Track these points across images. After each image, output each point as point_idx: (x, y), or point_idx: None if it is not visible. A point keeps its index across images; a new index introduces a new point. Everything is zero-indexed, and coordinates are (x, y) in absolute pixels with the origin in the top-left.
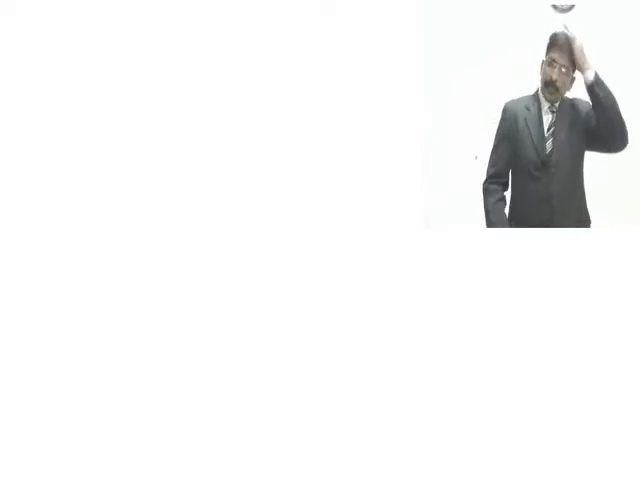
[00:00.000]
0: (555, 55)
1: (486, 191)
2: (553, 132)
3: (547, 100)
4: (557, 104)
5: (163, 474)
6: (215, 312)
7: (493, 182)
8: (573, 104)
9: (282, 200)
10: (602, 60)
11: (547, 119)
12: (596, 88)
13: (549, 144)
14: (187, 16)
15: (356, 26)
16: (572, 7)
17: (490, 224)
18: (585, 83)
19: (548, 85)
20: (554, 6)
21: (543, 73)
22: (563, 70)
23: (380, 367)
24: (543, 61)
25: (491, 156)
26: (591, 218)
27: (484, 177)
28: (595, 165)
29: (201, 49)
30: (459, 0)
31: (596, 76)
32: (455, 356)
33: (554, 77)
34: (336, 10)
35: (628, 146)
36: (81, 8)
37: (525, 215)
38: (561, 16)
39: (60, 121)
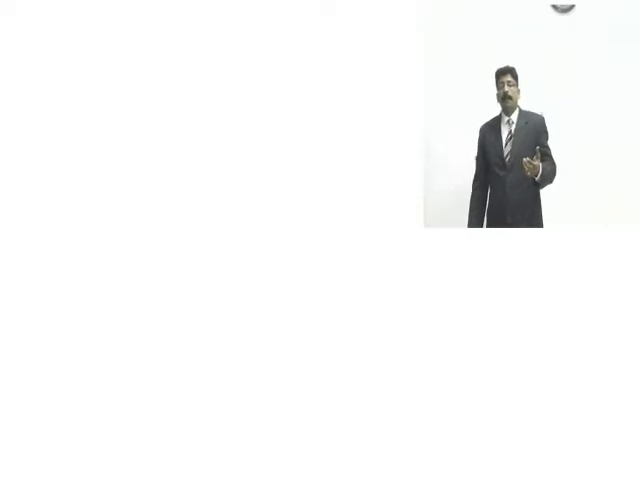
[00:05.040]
0: (503, 79)
1: (472, 185)
2: (510, 139)
3: (506, 114)
4: (512, 117)
5: (163, 474)
6: (215, 311)
7: (475, 180)
8: (525, 116)
9: (282, 201)
10: (602, 60)
11: (506, 129)
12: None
13: (507, 149)
14: (187, 16)
15: (356, 26)
16: (572, 7)
17: (470, 206)
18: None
19: (504, 98)
20: (554, 6)
21: (498, 94)
22: (511, 84)
23: (379, 362)
24: (497, 87)
25: (475, 163)
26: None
27: None
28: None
29: (201, 49)
30: (459, 0)
31: (540, 178)
32: (453, 351)
33: (506, 89)
34: (336, 10)
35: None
36: (81, 8)
37: (493, 203)
38: (561, 16)
39: (60, 120)
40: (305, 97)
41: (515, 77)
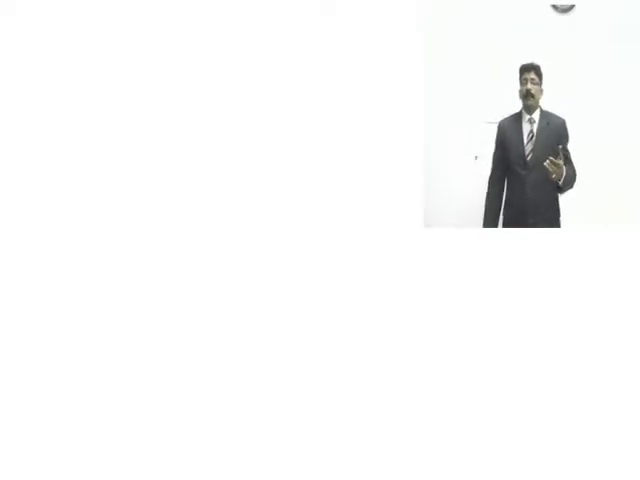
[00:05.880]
0: (527, 76)
1: (488, 182)
2: (531, 138)
3: (527, 112)
4: (534, 115)
5: (163, 474)
6: (214, 312)
7: (492, 177)
8: (546, 117)
9: (282, 202)
10: (602, 60)
11: (527, 128)
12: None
13: (528, 147)
14: (187, 16)
15: (356, 26)
16: (572, 7)
17: (486, 204)
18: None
19: (526, 96)
20: (554, 6)
21: (520, 90)
22: (534, 82)
23: (379, 363)
24: (520, 84)
25: (492, 162)
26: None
27: (485, 177)
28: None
29: (201, 49)
30: (459, 0)
31: (563, 182)
32: (452, 353)
33: (529, 87)
34: (336, 10)
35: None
36: (81, 8)
37: (512, 202)
38: (561, 16)
39: (60, 121)
40: (305, 97)
41: (539, 75)
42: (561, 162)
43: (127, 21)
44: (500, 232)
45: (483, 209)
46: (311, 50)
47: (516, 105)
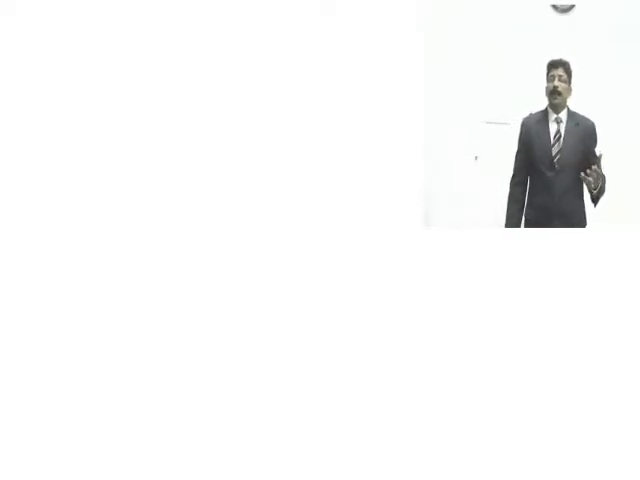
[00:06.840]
0: (554, 72)
1: (510, 183)
2: (558, 138)
3: (553, 111)
4: (561, 115)
5: (163, 474)
6: (214, 311)
7: (515, 178)
8: (575, 117)
9: (283, 201)
10: (602, 60)
11: (553, 128)
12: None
13: (555, 148)
14: (187, 16)
15: (356, 26)
16: (572, 7)
17: (509, 205)
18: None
19: (553, 93)
20: (554, 6)
21: (547, 87)
22: (562, 78)
23: (378, 364)
24: (547, 80)
25: (514, 160)
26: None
27: (485, 177)
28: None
29: (201, 49)
30: (459, 0)
31: (598, 191)
32: (452, 354)
33: (556, 84)
34: (336, 10)
35: (626, 148)
36: (81, 8)
37: (535, 203)
38: (561, 16)
39: (60, 121)
40: (305, 97)
41: (568, 72)
42: (600, 170)
43: (127, 21)
44: (501, 232)
45: (503, 209)
46: (311, 50)
47: (517, 105)
